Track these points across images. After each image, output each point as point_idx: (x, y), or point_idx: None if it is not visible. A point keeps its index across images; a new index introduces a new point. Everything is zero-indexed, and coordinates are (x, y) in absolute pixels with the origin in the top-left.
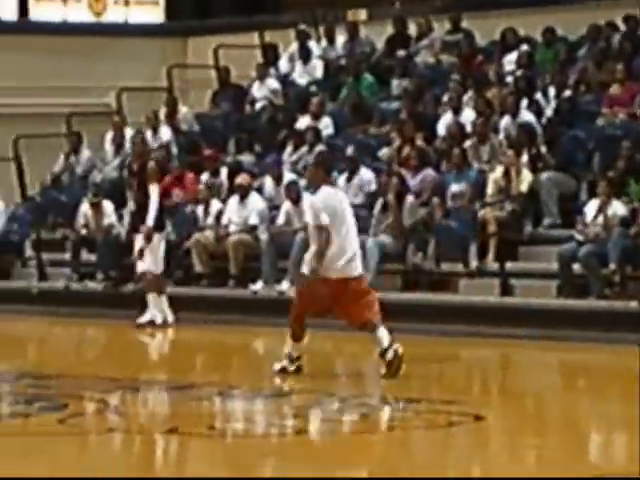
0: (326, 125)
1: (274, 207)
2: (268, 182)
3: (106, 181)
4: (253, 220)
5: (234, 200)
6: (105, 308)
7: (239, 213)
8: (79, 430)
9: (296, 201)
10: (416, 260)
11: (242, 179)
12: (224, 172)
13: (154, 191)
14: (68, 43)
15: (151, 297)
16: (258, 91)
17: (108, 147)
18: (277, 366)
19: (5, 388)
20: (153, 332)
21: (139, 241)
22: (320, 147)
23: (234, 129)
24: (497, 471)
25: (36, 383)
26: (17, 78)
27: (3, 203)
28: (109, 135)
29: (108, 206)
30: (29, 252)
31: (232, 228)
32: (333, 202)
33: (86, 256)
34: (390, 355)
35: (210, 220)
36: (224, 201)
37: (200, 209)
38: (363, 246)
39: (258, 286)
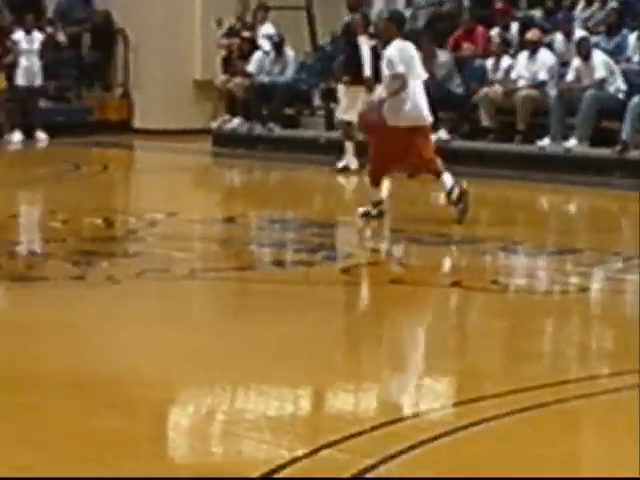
0: None
1: (564, 63)
2: (558, 38)
3: None
4: (542, 76)
5: (524, 55)
6: None
7: (528, 68)
8: (361, 280)
9: (586, 57)
10: None
11: (532, 34)
12: (515, 27)
13: (364, 42)
14: None
15: (348, 144)
16: None
17: None
18: (360, 210)
19: (290, 236)
20: None
21: (341, 91)
22: (612, 4)
23: None
24: None
25: (321, 232)
26: None
27: (293, 52)
28: None
29: None
30: (317, 101)
31: (521, 83)
32: (406, 54)
33: None
34: (456, 193)
35: (499, 75)
36: (514, 56)
37: (489, 63)
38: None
39: (545, 142)
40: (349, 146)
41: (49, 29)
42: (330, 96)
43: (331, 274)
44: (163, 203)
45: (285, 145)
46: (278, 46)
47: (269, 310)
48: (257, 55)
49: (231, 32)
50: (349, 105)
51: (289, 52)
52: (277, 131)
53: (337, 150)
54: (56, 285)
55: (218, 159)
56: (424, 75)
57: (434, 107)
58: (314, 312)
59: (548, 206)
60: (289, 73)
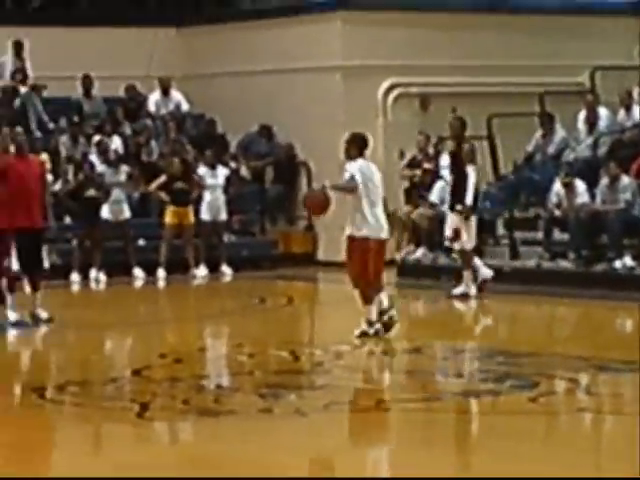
0: None
1: None
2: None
3: (578, 160)
4: None
5: None
6: (576, 287)
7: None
8: (549, 409)
9: None
10: None
11: None
12: None
13: (471, 172)
14: (541, 22)
15: (466, 273)
16: None
17: (581, 126)
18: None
19: (475, 365)
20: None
21: (453, 220)
22: None
23: None
24: None
25: (507, 361)
26: (491, 57)
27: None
28: (582, 114)
29: (580, 185)
30: (501, 230)
31: None
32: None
33: (558, 235)
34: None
35: None
36: None
37: None
38: None
39: None
40: (467, 274)
41: (232, 164)
42: (515, 225)
43: (519, 403)
44: (348, 335)
45: None
46: None
47: (456, 441)
48: (439, 185)
49: (413, 163)
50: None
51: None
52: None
53: (521, 279)
54: (244, 418)
55: (403, 290)
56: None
57: (618, 233)
58: (503, 442)
59: None
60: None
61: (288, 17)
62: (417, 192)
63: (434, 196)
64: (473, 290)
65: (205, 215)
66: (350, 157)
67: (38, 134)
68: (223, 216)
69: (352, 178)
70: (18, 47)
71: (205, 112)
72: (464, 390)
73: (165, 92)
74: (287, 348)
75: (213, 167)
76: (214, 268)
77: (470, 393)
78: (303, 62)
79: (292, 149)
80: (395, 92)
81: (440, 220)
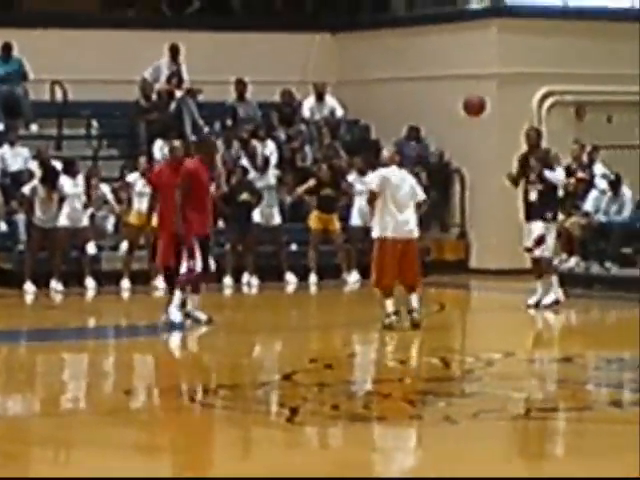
0: None
1: None
2: None
3: None
4: None
5: None
6: None
7: None
8: None
9: None
10: None
11: None
12: None
13: (552, 175)
14: None
15: (544, 281)
16: None
17: None
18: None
19: (627, 376)
20: None
21: (537, 227)
22: None
23: None
24: None
25: None
26: None
27: (630, 191)
28: None
29: None
30: None
31: None
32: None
33: None
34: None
35: None
36: None
37: None
38: None
39: None
40: (555, 279)
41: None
42: None
43: None
44: (500, 343)
45: (622, 284)
46: (615, 185)
47: (607, 451)
48: (593, 194)
49: (567, 171)
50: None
51: (626, 191)
52: (614, 270)
53: None
54: (393, 424)
55: None
56: None
57: None
58: None
59: None
60: (626, 212)
61: (444, 24)
62: (571, 201)
63: (588, 205)
64: (561, 295)
65: (356, 221)
66: None
67: (193, 138)
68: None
69: None
70: (174, 51)
71: (359, 118)
72: (614, 400)
73: (320, 97)
74: (438, 355)
75: (363, 173)
76: (367, 274)
77: (620, 403)
78: (458, 69)
79: (444, 156)
80: (550, 100)
81: (594, 229)
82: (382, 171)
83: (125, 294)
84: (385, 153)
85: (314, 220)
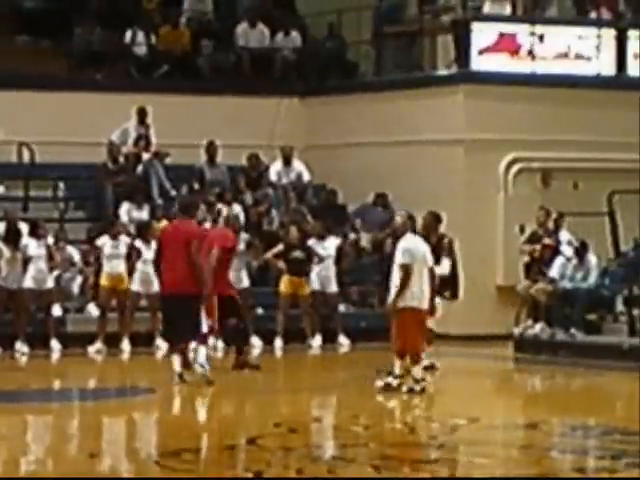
0: None
1: None
2: None
3: None
4: None
5: None
6: None
7: None
8: None
9: None
10: None
11: None
12: None
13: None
14: None
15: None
16: None
17: None
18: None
19: (592, 443)
20: None
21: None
22: None
23: None
24: None
25: (623, 439)
26: (613, 133)
27: (596, 258)
28: None
29: None
30: (620, 307)
31: None
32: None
33: None
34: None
35: None
36: None
37: None
38: None
39: None
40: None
41: (352, 235)
42: (634, 302)
43: None
44: (465, 408)
45: (587, 351)
46: (581, 252)
47: None
48: (559, 261)
49: (533, 238)
50: None
51: (592, 258)
52: (579, 337)
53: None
54: None
55: (520, 365)
56: None
57: None
58: None
59: None
60: (592, 279)
61: (411, 89)
62: (537, 267)
63: (554, 271)
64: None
65: (315, 285)
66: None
67: (159, 201)
68: (333, 287)
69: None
70: (142, 114)
71: (326, 182)
72: (578, 467)
73: (287, 162)
74: (403, 420)
75: (322, 238)
76: (332, 338)
77: (585, 470)
78: (425, 134)
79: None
80: (517, 166)
81: (560, 296)
82: (406, 244)
83: (125, 356)
84: (398, 220)
85: (284, 284)
